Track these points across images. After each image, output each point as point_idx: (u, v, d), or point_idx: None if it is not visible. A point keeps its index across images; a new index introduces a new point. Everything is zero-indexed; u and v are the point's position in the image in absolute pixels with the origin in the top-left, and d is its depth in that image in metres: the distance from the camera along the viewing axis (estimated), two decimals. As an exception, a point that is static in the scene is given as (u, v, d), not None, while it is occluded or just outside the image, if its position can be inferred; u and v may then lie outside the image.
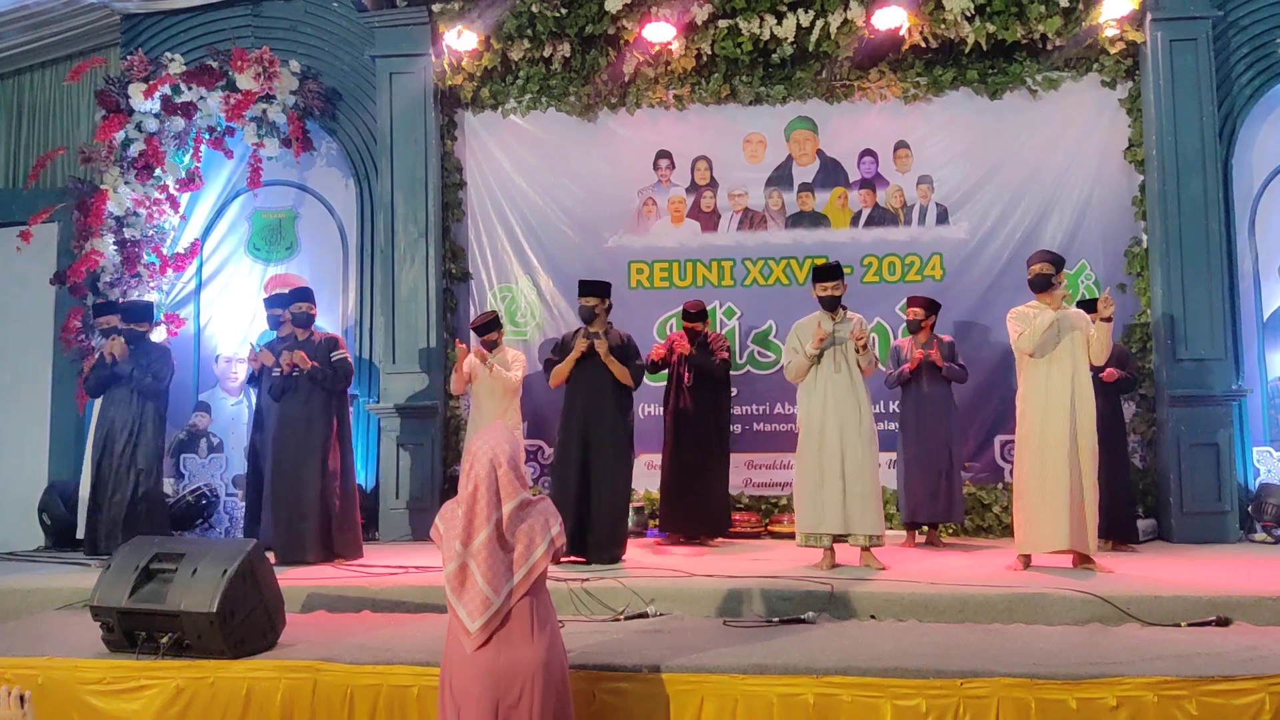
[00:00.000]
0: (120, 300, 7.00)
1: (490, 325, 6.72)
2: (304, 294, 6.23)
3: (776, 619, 4.40)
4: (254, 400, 7.18)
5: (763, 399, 7.38)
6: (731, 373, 6.87)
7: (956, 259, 7.31)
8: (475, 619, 2.89)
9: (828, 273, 5.59)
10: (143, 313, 6.50)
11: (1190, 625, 4.17)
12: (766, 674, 3.50)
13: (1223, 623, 4.17)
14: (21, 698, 2.30)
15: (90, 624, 4.01)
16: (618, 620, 4.45)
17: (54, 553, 6.50)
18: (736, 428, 6.98)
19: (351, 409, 7.50)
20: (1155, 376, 6.84)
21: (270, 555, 5.48)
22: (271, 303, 6.56)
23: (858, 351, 5.40)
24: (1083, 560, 5.14)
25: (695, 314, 6.68)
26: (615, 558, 5.55)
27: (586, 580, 4.78)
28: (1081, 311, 5.42)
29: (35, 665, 3.83)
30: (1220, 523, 6.50)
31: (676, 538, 6.55)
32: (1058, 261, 5.37)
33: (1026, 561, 5.23)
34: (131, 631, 3.88)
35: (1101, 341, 5.20)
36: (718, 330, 7.23)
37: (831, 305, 5.54)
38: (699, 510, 6.47)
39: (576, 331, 5.96)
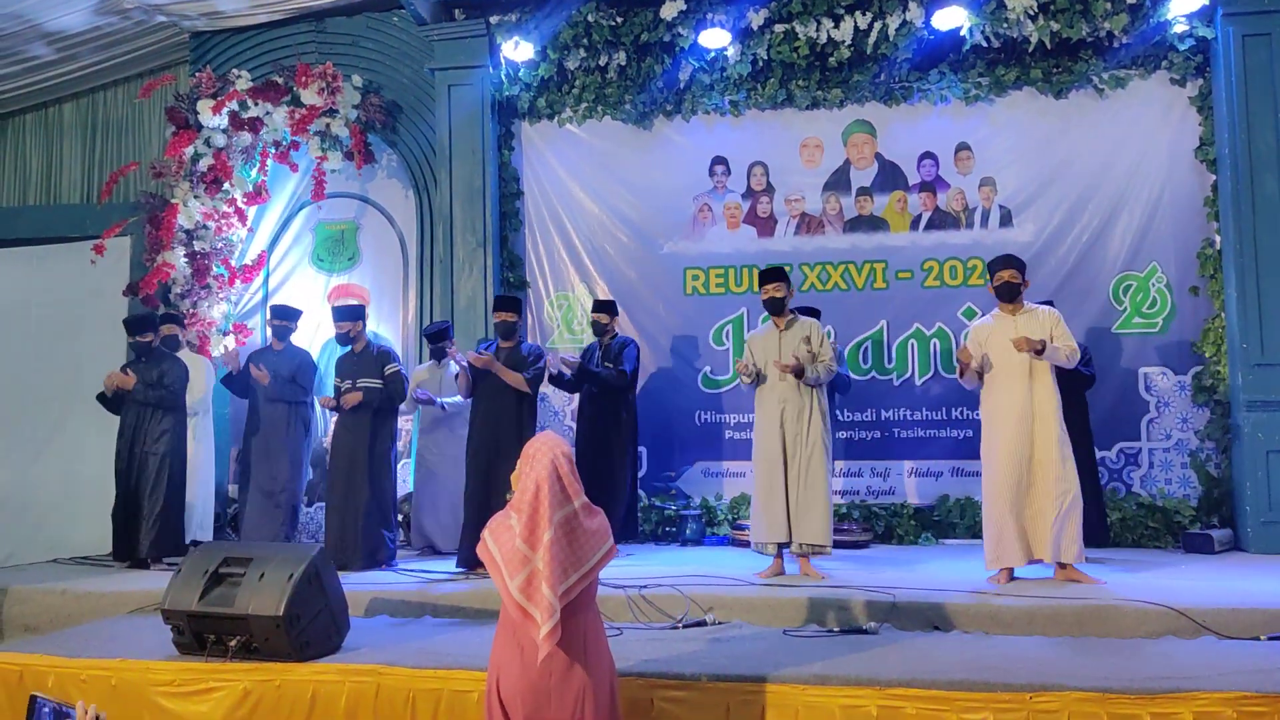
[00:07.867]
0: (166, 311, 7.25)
1: (443, 334, 6.77)
2: (350, 312, 6.31)
3: (838, 629, 4.35)
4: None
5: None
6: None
7: (1020, 262, 7.16)
8: (545, 623, 2.79)
9: (770, 275, 5.48)
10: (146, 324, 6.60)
11: (1270, 638, 4.01)
12: (828, 684, 3.45)
13: (1305, 636, 4.03)
14: (98, 718, 2.34)
15: (161, 627, 4.12)
16: (676, 628, 4.43)
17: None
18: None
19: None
20: (1230, 381, 6.63)
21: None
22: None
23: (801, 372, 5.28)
24: (1062, 569, 4.97)
25: (605, 305, 6.63)
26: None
27: (645, 588, 4.77)
28: (1047, 310, 5.25)
29: (109, 666, 3.94)
30: (1300, 532, 6.27)
31: None
32: (1023, 266, 5.24)
33: (1009, 574, 5.02)
34: (201, 634, 3.97)
35: (1057, 358, 5.03)
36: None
37: (777, 309, 5.46)
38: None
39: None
